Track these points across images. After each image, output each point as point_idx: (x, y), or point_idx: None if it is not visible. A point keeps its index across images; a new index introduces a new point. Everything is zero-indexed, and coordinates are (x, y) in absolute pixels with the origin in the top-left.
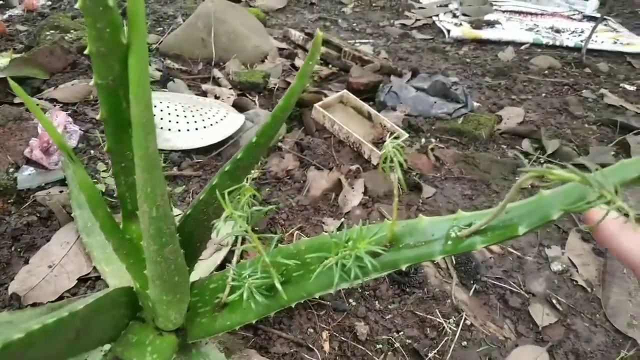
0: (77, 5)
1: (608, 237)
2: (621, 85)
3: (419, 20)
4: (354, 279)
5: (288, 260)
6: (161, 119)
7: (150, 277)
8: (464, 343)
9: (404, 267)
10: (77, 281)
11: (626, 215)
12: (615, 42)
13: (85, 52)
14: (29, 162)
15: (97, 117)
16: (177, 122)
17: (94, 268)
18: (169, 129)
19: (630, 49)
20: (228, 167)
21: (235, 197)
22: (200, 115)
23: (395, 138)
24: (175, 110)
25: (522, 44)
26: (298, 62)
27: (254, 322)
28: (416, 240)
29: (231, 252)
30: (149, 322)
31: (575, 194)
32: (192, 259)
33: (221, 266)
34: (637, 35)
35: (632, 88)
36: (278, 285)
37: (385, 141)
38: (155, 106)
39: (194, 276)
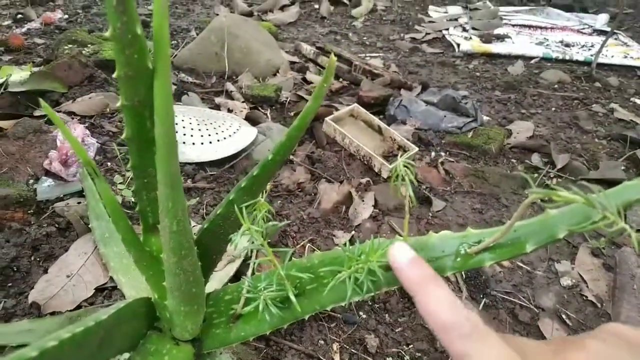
0: (107, 34)
1: (415, 285)
2: (631, 99)
3: (429, 34)
4: (366, 293)
5: (302, 274)
6: (176, 132)
7: (169, 289)
8: None
9: None
10: (94, 291)
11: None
12: (626, 57)
13: (114, 75)
14: (48, 173)
15: (123, 137)
16: (191, 135)
17: (111, 278)
18: (184, 142)
19: None
20: (245, 183)
21: (252, 211)
22: (214, 128)
23: (405, 151)
24: (190, 123)
25: (531, 58)
26: (309, 76)
27: (267, 333)
28: (427, 255)
29: (244, 264)
30: (166, 332)
31: (581, 214)
32: (208, 270)
33: (235, 277)
34: None
35: None
36: (292, 298)
37: (395, 154)
38: None
39: (209, 287)
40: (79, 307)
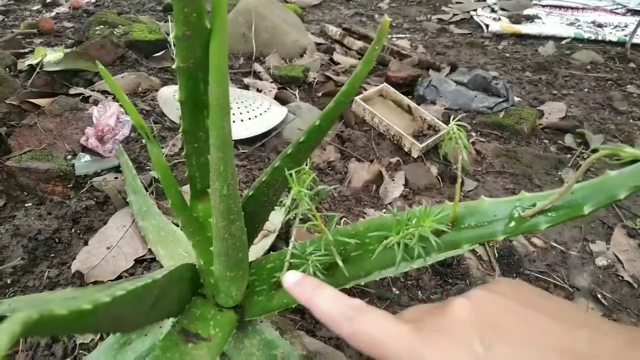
0: None
1: (306, 298)
2: None
3: (457, 15)
4: (416, 258)
5: (349, 239)
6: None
7: (217, 253)
8: None
9: (465, 248)
10: (134, 262)
11: None
12: None
13: (171, 37)
14: (85, 149)
15: (176, 99)
16: None
17: (149, 250)
18: None
19: None
20: (290, 150)
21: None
22: (245, 107)
23: (436, 131)
24: None
25: (562, 38)
26: (336, 57)
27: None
28: (478, 220)
29: (278, 239)
30: (210, 299)
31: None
32: (251, 238)
33: (269, 252)
34: None
35: None
36: (340, 262)
37: (425, 134)
38: None
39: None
40: (119, 277)
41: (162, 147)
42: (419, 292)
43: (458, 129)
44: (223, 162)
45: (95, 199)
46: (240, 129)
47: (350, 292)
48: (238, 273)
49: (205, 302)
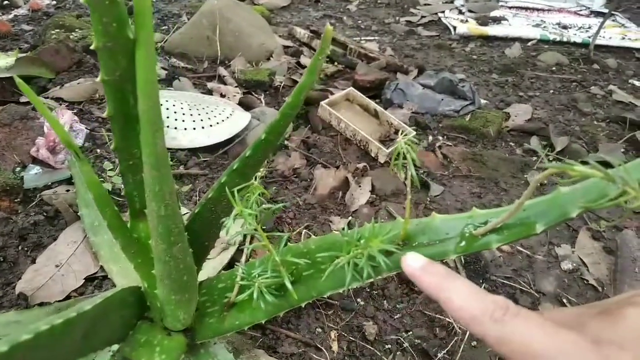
0: (82, 0)
1: (435, 288)
2: (630, 81)
3: (425, 17)
4: (366, 279)
5: (298, 259)
6: (167, 117)
7: (159, 277)
8: (474, 343)
9: None
10: (84, 280)
11: None
12: (624, 38)
13: (92, 47)
14: (35, 161)
15: (104, 114)
16: (183, 121)
17: (101, 267)
18: (175, 128)
19: (639, 45)
20: (237, 165)
21: (244, 195)
22: (207, 113)
23: (405, 135)
24: (182, 108)
25: (528, 40)
26: (303, 60)
27: (263, 322)
28: (430, 238)
29: (239, 251)
30: (157, 322)
31: (596, 190)
32: (200, 258)
33: (229, 265)
34: None
35: None
36: (289, 285)
37: (392, 139)
38: (161, 105)
39: (202, 275)
40: (68, 297)
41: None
42: (385, 301)
43: (407, 144)
44: (158, 181)
45: (44, 214)
46: (202, 136)
47: (314, 303)
48: (184, 296)
49: (151, 327)
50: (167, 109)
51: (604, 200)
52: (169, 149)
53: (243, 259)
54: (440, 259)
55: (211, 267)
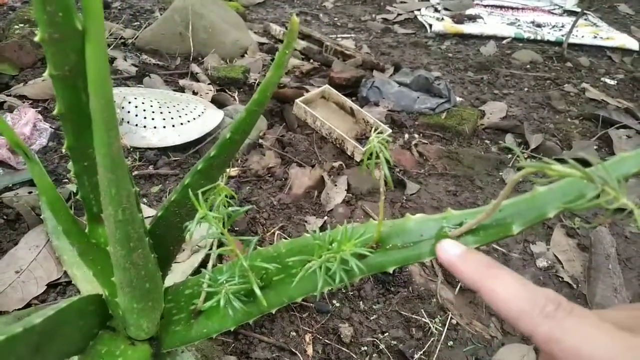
0: None
1: (476, 277)
2: (602, 79)
3: (401, 14)
4: (338, 283)
5: (268, 264)
6: (136, 115)
7: (119, 284)
8: (450, 343)
9: (391, 270)
10: (46, 287)
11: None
12: (596, 37)
13: (36, 39)
14: None
15: (54, 112)
16: (152, 119)
17: (65, 273)
18: (145, 126)
19: (610, 43)
20: (201, 166)
21: (210, 197)
22: (177, 111)
23: (380, 133)
24: (151, 106)
25: (503, 38)
26: None
27: (231, 329)
28: (404, 241)
29: (210, 254)
30: (120, 331)
31: (573, 190)
32: (165, 263)
33: (199, 269)
34: (616, 29)
35: (612, 82)
36: (257, 291)
37: (368, 137)
38: (129, 102)
39: (171, 280)
40: (28, 305)
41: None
42: (361, 302)
43: (379, 143)
44: (114, 184)
45: (5, 217)
46: (172, 135)
47: (288, 306)
48: (147, 304)
49: (114, 336)
50: (136, 106)
51: (582, 200)
52: (138, 148)
53: (210, 264)
54: (415, 262)
55: (181, 271)
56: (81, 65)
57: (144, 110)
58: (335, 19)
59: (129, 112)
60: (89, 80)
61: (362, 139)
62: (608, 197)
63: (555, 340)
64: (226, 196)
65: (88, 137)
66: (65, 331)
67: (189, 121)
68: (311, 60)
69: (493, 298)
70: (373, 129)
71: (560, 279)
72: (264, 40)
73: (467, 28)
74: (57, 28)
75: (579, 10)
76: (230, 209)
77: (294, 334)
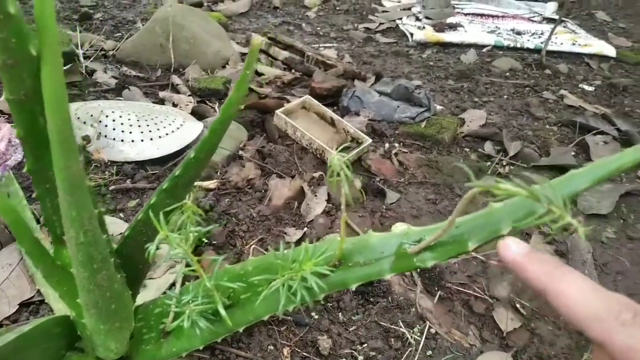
0: None
1: (545, 278)
2: (580, 85)
3: (383, 23)
4: (299, 302)
5: (232, 284)
6: (114, 129)
7: (84, 306)
8: (429, 352)
9: (353, 287)
10: (18, 306)
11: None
12: (574, 44)
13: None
14: None
15: (14, 135)
16: (130, 132)
17: (38, 291)
18: (122, 140)
19: (588, 50)
20: (166, 185)
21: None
22: (156, 124)
23: (358, 143)
24: (129, 119)
25: (484, 46)
26: (260, 68)
27: (201, 348)
28: (366, 258)
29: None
30: (89, 352)
31: (526, 208)
32: (135, 282)
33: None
34: (594, 36)
35: (590, 88)
36: (222, 311)
37: (348, 147)
38: (107, 116)
39: (146, 296)
40: (0, 325)
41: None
42: (340, 314)
43: (339, 161)
44: (74, 206)
45: None
46: (150, 148)
47: (266, 320)
48: (114, 325)
49: (82, 358)
50: (114, 120)
51: (532, 218)
52: (115, 162)
53: (178, 284)
54: (376, 279)
55: (155, 287)
56: (37, 89)
57: (122, 123)
58: (318, 28)
59: (106, 125)
60: (45, 104)
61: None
62: (554, 216)
63: (636, 350)
64: (195, 213)
65: (48, 159)
66: (28, 355)
67: (167, 134)
68: (293, 71)
69: (562, 301)
70: (354, 142)
71: None
72: (246, 50)
73: (448, 36)
74: (11, 54)
75: (557, 17)
76: (190, 229)
77: (272, 347)
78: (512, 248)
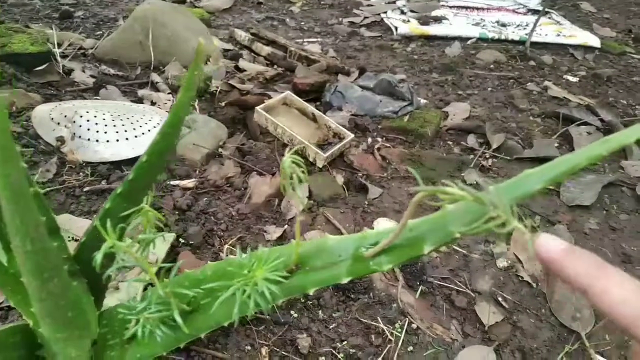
0: None
1: (586, 277)
2: (564, 77)
3: (367, 17)
4: (252, 309)
5: (188, 290)
6: (88, 129)
7: (38, 315)
8: (410, 348)
9: (311, 292)
10: None
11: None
12: (559, 35)
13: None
14: None
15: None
16: (105, 132)
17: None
18: (97, 140)
19: (572, 41)
20: (120, 189)
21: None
22: (132, 123)
23: (341, 139)
24: (104, 119)
25: (468, 38)
26: (242, 64)
27: (164, 354)
28: (323, 261)
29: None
30: None
31: (476, 211)
32: (99, 287)
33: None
34: (578, 27)
35: (574, 79)
36: (178, 318)
37: (330, 142)
38: (81, 116)
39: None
40: None
41: (33, 174)
42: (320, 311)
43: (293, 162)
44: (18, 215)
45: None
46: (126, 148)
47: (243, 319)
48: (73, 333)
49: None
50: (88, 120)
51: (477, 223)
52: (90, 163)
53: (140, 290)
54: (333, 283)
55: (128, 290)
56: None
57: (97, 123)
58: (302, 23)
59: (80, 126)
60: None
61: (324, 144)
62: (500, 221)
63: None
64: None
65: None
66: None
67: (143, 133)
68: (275, 66)
69: (605, 300)
70: (336, 137)
71: (520, 278)
72: (229, 46)
73: (433, 29)
74: None
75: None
76: (140, 236)
77: (249, 347)
78: (550, 244)
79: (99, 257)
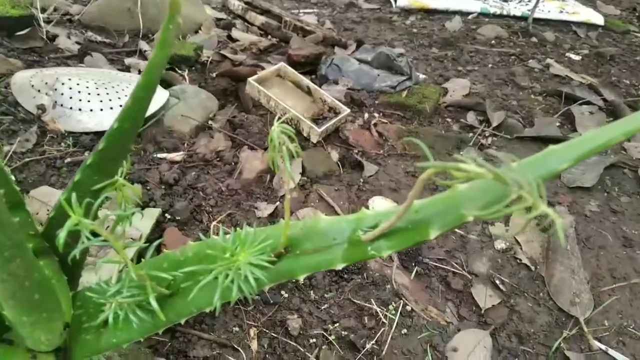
0: None
1: None
2: (567, 54)
3: None
4: (235, 296)
5: (166, 274)
6: (70, 97)
7: (1, 297)
8: (404, 330)
9: (301, 278)
10: None
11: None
12: (562, 11)
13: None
14: None
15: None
16: (88, 101)
17: None
18: (80, 109)
19: (576, 18)
20: (90, 160)
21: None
22: (117, 92)
23: (336, 114)
24: (87, 87)
25: (469, 13)
26: (235, 33)
27: (141, 339)
28: (315, 245)
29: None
30: (19, 343)
31: (495, 191)
32: (72, 266)
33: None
34: (582, 4)
35: (577, 57)
36: (154, 304)
37: (326, 117)
38: (63, 84)
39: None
40: None
41: (11, 143)
42: (312, 292)
43: (283, 132)
44: None
45: None
46: (110, 118)
47: (227, 304)
48: (40, 316)
49: (10, 350)
50: (71, 88)
51: (499, 206)
52: (72, 133)
53: (115, 272)
54: (327, 269)
55: (109, 269)
56: None
57: (80, 92)
58: None
59: (62, 94)
60: None
61: (319, 119)
62: (526, 204)
63: None
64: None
65: None
66: None
67: None
68: (270, 37)
69: None
70: (332, 112)
71: (518, 261)
72: (222, 15)
73: (433, 3)
74: None
75: None
76: (106, 213)
77: (237, 329)
78: None
79: (62, 234)
